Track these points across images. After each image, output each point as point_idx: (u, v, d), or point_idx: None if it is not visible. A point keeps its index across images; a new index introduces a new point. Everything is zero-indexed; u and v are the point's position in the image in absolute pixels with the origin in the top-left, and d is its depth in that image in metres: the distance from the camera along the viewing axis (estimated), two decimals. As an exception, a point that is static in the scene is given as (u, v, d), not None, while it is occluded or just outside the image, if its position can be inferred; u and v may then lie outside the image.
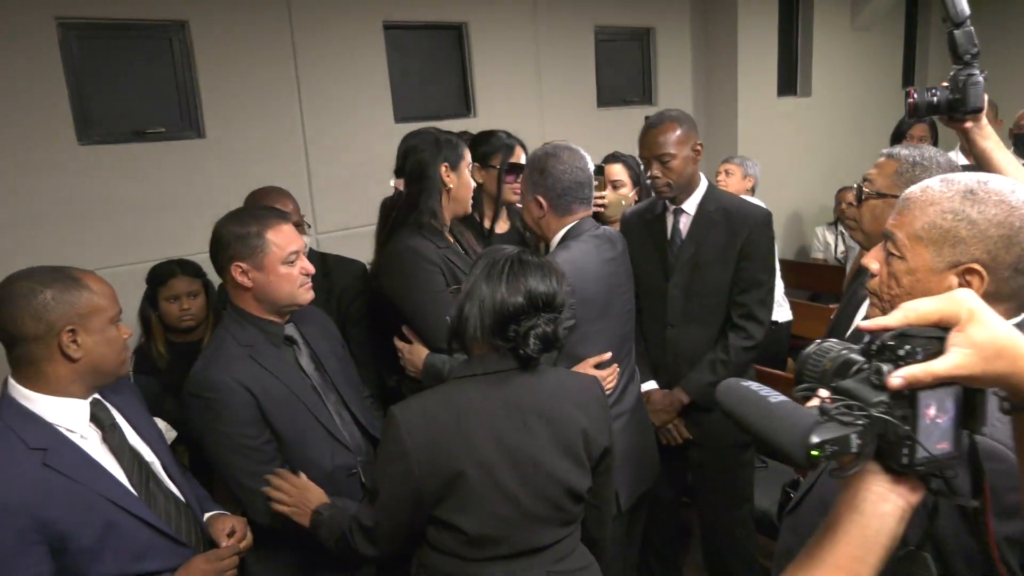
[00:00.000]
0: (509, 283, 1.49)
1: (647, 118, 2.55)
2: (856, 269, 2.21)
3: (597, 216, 2.57)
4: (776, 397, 0.81)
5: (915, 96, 1.89)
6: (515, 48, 4.74)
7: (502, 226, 2.64)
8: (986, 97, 1.84)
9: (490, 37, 4.61)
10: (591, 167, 2.24)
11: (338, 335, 2.12)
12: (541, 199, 2.17)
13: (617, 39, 5.40)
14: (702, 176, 2.48)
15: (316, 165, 3.90)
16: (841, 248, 5.23)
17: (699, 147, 2.42)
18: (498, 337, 1.50)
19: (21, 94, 3.08)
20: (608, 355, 2.18)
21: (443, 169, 2.15)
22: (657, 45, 5.52)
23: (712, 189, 2.48)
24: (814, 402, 0.82)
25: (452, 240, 2.23)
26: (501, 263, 1.52)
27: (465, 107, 4.64)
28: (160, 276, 2.68)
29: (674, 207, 2.48)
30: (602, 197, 2.77)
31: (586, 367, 2.15)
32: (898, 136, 4.03)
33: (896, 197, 1.67)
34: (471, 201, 2.26)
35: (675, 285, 2.45)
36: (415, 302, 2.06)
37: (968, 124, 1.86)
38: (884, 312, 1.21)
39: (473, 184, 2.26)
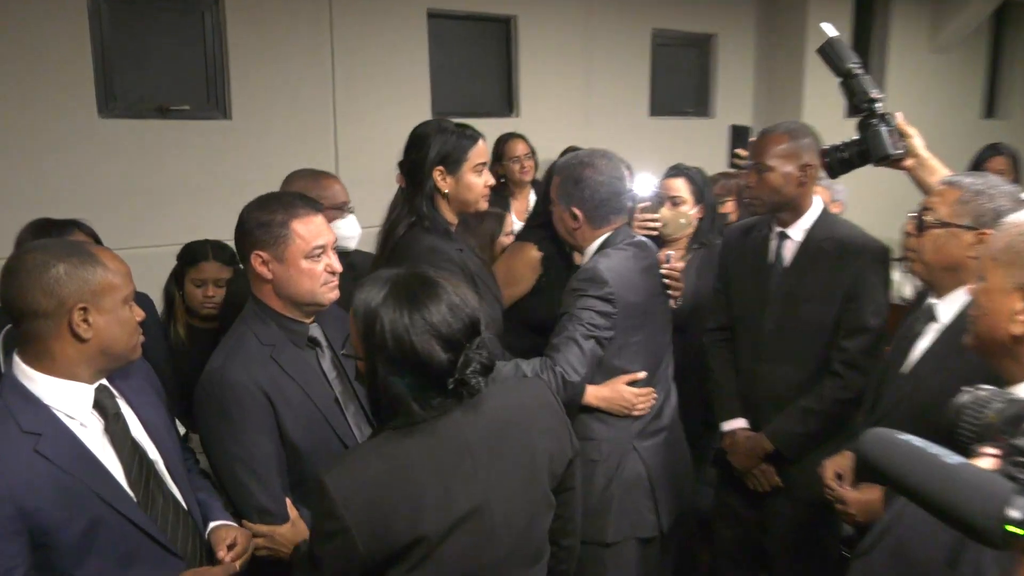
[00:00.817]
0: (419, 337, 1.32)
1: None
2: (913, 304, 2.17)
3: (654, 238, 2.53)
4: (953, 457, 0.76)
5: (826, 156, 2.07)
6: (565, 47, 4.75)
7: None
8: (916, 139, 2.00)
9: (539, 33, 4.62)
10: (626, 174, 2.24)
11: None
12: (576, 210, 2.19)
13: (675, 45, 5.39)
14: (817, 200, 2.38)
15: (345, 156, 3.93)
16: (908, 288, 5.13)
17: (809, 168, 2.31)
18: (435, 395, 1.39)
19: (45, 60, 3.14)
20: (643, 374, 2.20)
21: (436, 174, 2.14)
22: (718, 53, 5.51)
23: (826, 215, 2.38)
24: (984, 461, 0.77)
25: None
26: (394, 311, 1.34)
27: (507, 106, 4.66)
28: (191, 256, 2.71)
29: (779, 229, 2.40)
30: (655, 220, 2.73)
31: (618, 384, 2.16)
32: (976, 168, 3.95)
33: (960, 226, 1.71)
34: (483, 198, 2.22)
35: (770, 317, 2.37)
36: None
37: (908, 163, 1.99)
38: (972, 336, 1.27)
39: (483, 182, 2.20)
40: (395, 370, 1.35)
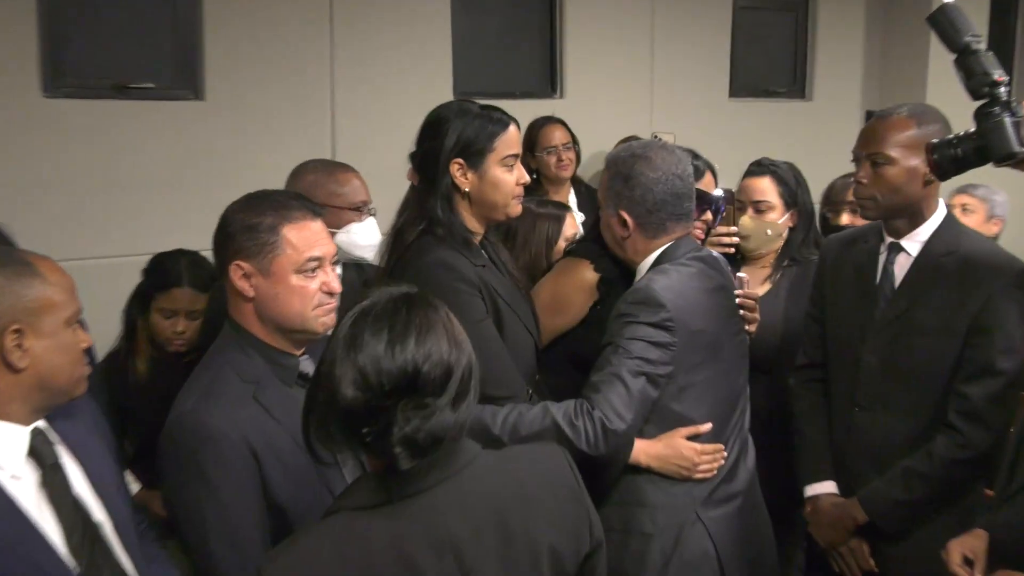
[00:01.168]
0: (340, 361, 1.35)
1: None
2: None
3: (729, 256, 2.51)
4: None
5: (933, 153, 2.04)
6: (624, 10, 4.78)
7: None
8: None
9: (591, -6, 4.65)
10: (691, 171, 2.24)
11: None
12: (626, 215, 2.20)
13: (763, 9, 5.41)
14: (941, 204, 2.36)
15: (345, 146, 3.96)
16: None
17: None
18: (341, 438, 1.38)
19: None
20: (707, 427, 2.18)
21: (454, 167, 2.15)
22: (818, 20, 5.51)
23: (951, 224, 2.36)
24: None
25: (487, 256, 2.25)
26: (345, 332, 1.38)
27: (549, 85, 4.68)
28: (162, 279, 2.71)
29: (890, 240, 2.39)
30: (729, 234, 2.71)
31: (676, 438, 2.15)
32: None
33: None
34: (513, 200, 2.22)
35: (872, 351, 2.36)
36: None
37: None
38: None
39: (514, 179, 2.20)
40: (316, 391, 1.39)
